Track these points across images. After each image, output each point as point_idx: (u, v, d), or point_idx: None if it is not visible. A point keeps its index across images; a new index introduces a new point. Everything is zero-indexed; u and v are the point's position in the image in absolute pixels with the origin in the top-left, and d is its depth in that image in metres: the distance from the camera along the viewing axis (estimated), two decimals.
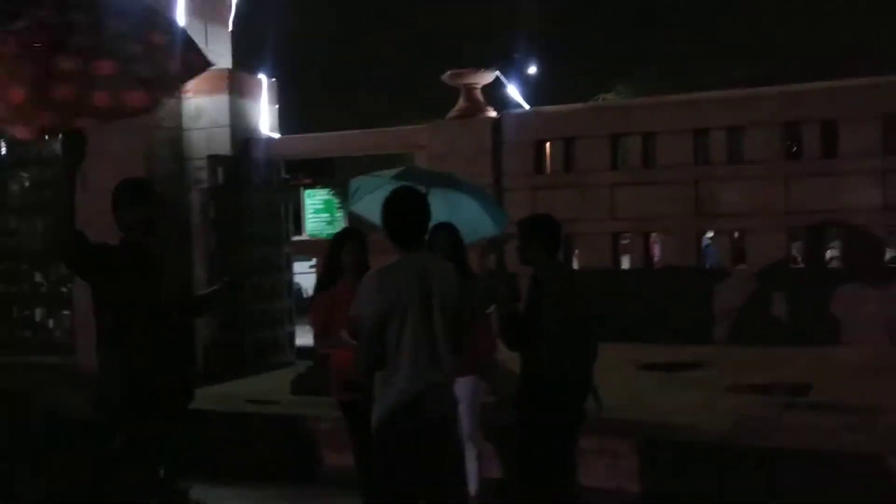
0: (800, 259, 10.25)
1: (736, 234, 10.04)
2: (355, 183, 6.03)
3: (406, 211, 3.84)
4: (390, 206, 3.85)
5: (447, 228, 5.21)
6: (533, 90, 18.87)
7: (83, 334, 10.98)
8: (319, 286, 5.48)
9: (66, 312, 11.87)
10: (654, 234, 10.54)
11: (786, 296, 9.35)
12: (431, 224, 5.15)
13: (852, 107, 9.26)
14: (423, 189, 4.96)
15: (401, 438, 3.71)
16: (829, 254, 10.18)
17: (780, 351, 8.46)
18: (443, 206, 5.78)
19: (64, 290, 11.99)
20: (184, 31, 4.20)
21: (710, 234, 10.58)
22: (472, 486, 5.14)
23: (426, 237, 4.16)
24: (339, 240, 5.35)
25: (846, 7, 20.14)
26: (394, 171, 6.26)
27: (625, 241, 10.76)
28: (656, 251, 10.78)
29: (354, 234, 5.36)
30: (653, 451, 5.62)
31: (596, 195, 10.22)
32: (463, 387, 4.98)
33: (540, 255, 4.58)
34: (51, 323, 12.49)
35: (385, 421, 3.72)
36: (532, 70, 24.44)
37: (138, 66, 3.53)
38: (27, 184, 12.70)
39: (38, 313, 12.52)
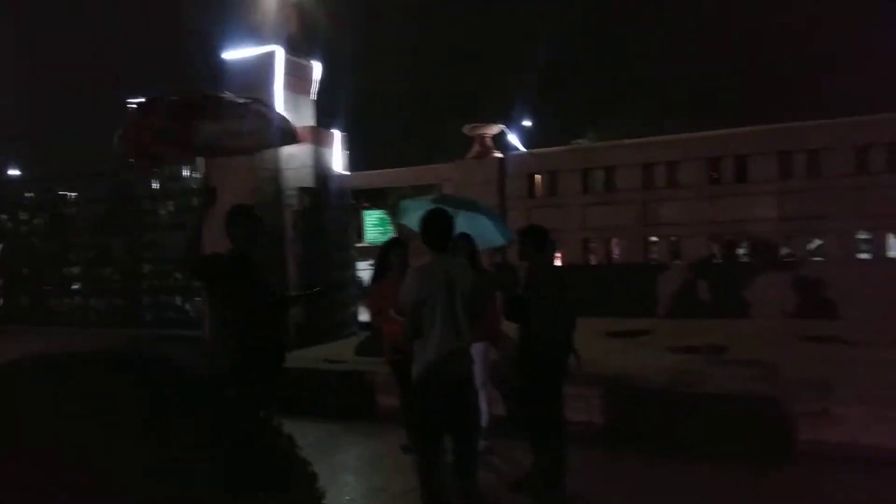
0: (719, 256, 10.12)
1: (673, 239, 9.96)
2: (403, 204, 6.03)
3: (436, 226, 3.86)
4: (426, 222, 3.87)
5: (466, 237, 5.21)
6: (528, 136, 18.83)
7: (207, 315, 11.13)
8: (374, 279, 5.51)
9: (197, 299, 12.04)
10: (614, 240, 10.46)
11: (709, 283, 9.26)
12: (455, 234, 5.17)
13: (757, 146, 9.17)
14: (451, 210, 4.97)
15: (433, 388, 3.73)
16: (740, 252, 10.06)
17: (705, 322, 8.39)
18: (466, 222, 5.78)
19: (196, 283, 12.11)
20: (282, 117, 4.52)
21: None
22: (484, 421, 5.15)
23: (451, 244, 4.16)
24: (387, 246, 5.37)
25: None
26: (432, 197, 6.28)
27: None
28: (616, 251, 10.68)
29: (398, 242, 5.38)
30: (613, 394, 5.60)
31: (572, 212, 10.19)
32: (477, 350, 4.99)
33: (532, 253, 4.57)
34: (186, 306, 12.64)
35: (422, 376, 3.74)
36: (527, 123, 24.43)
37: (244, 129, 3.76)
38: (172, 209, 12.88)
39: (178, 299, 12.69)
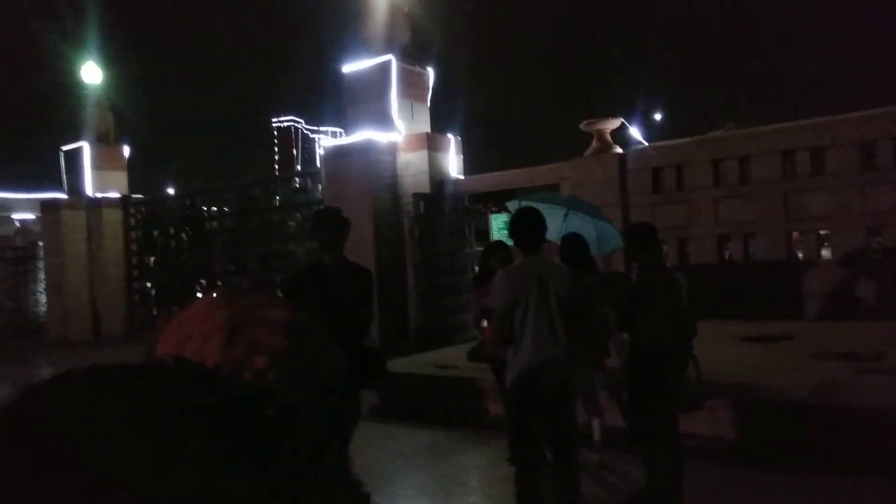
0: (877, 250, 9.00)
1: (821, 233, 9.03)
2: (512, 205, 5.79)
3: (525, 224, 3.66)
4: (514, 221, 3.69)
5: (576, 238, 4.92)
6: (659, 130, 17.95)
7: None
8: (475, 283, 5.37)
9: None
10: (751, 236, 9.63)
11: (865, 281, 8.26)
12: (563, 234, 4.92)
13: None
14: (559, 210, 4.77)
15: (527, 398, 3.53)
16: None
17: (860, 326, 7.46)
18: (584, 224, 5.53)
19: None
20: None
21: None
22: (596, 433, 4.85)
23: (546, 243, 3.92)
24: (487, 250, 5.20)
25: None
26: (550, 196, 6.02)
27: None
28: (753, 248, 9.82)
29: (499, 245, 5.17)
30: (745, 406, 5.06)
31: (702, 207, 9.50)
32: (588, 358, 4.71)
33: (640, 254, 4.22)
34: None
35: (514, 384, 3.55)
36: (657, 116, 23.38)
37: None
38: (299, 218, 13.49)
39: None
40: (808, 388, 5.08)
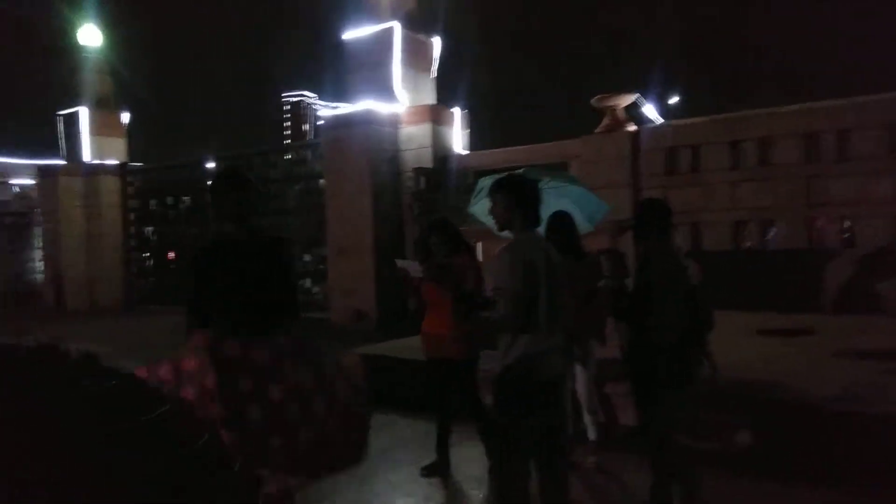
0: None
1: (845, 221, 8.48)
2: (482, 182, 5.07)
3: (533, 196, 3.15)
4: (523, 189, 3.17)
5: (565, 217, 4.39)
6: (675, 114, 17.27)
7: (334, 298, 11.08)
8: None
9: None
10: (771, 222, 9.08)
11: (890, 273, 7.72)
12: (555, 212, 4.42)
13: None
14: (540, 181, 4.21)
15: (519, 392, 3.05)
16: None
17: (882, 321, 6.93)
18: (556, 199, 4.94)
19: (321, 266, 12.15)
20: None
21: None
22: (591, 433, 4.39)
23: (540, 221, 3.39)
24: (428, 229, 4.42)
25: None
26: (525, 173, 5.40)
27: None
28: (772, 235, 9.29)
29: (443, 225, 4.38)
30: (764, 407, 4.56)
31: (718, 191, 8.96)
32: (583, 348, 4.27)
33: (652, 235, 3.70)
34: (314, 289, 12.72)
35: (505, 376, 3.06)
36: (674, 100, 22.74)
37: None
38: (298, 192, 13.04)
39: (307, 282, 12.81)
40: (834, 391, 4.57)
